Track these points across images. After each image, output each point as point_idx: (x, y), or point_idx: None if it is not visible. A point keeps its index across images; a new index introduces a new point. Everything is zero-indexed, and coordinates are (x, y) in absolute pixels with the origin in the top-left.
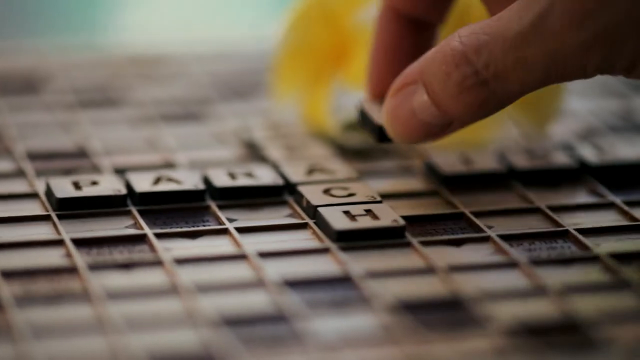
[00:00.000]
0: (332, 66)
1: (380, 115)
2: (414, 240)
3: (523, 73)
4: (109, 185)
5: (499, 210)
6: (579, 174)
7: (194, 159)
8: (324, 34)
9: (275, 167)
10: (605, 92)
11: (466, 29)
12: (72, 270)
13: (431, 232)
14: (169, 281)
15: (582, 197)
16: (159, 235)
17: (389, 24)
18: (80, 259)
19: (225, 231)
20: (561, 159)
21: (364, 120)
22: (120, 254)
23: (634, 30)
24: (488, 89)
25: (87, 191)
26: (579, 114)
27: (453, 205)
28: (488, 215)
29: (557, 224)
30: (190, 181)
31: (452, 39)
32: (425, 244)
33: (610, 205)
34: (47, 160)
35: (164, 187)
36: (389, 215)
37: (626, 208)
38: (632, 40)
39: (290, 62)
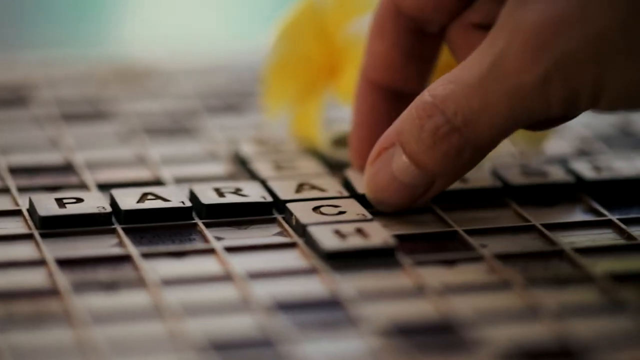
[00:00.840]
0: (323, 79)
1: (362, 185)
2: (406, 260)
3: (489, 116)
4: (93, 203)
5: (493, 229)
6: (575, 190)
7: (182, 174)
8: (315, 46)
9: (264, 184)
10: None
11: (435, 82)
12: (54, 291)
13: (423, 251)
14: (154, 303)
15: (578, 215)
16: (144, 255)
17: (368, 95)
18: (63, 279)
19: (212, 251)
20: (557, 175)
21: (348, 190)
22: (104, 275)
23: (592, 56)
24: (461, 135)
25: (71, 209)
26: (575, 130)
27: (446, 223)
28: (482, 234)
29: (553, 243)
30: (176, 198)
31: (422, 94)
32: (417, 263)
33: (607, 223)
34: (31, 175)
35: (149, 204)
36: (380, 235)
37: (623, 226)
38: (592, 66)
39: (280, 74)
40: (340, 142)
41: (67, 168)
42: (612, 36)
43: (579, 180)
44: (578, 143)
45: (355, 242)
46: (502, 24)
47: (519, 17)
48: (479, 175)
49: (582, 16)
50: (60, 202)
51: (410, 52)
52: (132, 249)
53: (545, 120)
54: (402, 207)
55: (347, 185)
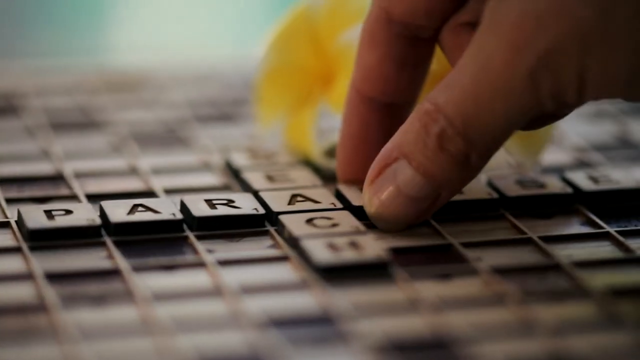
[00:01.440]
0: (317, 89)
1: (355, 196)
2: (400, 274)
3: (486, 117)
4: (83, 215)
5: (489, 242)
6: (572, 201)
7: (173, 184)
8: (308, 55)
9: (257, 195)
10: (599, 118)
11: (433, 90)
12: (42, 306)
13: (418, 264)
14: (143, 318)
15: (576, 227)
16: (134, 269)
17: (358, 107)
18: (52, 293)
19: (203, 264)
20: (554, 186)
21: (342, 202)
22: (93, 289)
23: (574, 48)
24: (464, 139)
25: (60, 221)
26: (573, 140)
27: (441, 236)
28: (478, 247)
29: (550, 256)
30: (167, 210)
31: (422, 104)
32: (412, 277)
33: (605, 235)
34: (20, 186)
35: (139, 216)
36: (374, 248)
37: (621, 239)
38: (575, 58)
39: (272, 84)
40: (334, 152)
41: (57, 178)
42: (592, 28)
43: (577, 191)
44: (575, 153)
45: (348, 255)
46: (486, 23)
47: (500, 15)
48: (475, 187)
49: (562, 10)
50: (49, 214)
51: (403, 60)
52: (122, 263)
53: (541, 117)
54: (407, 224)
55: (341, 196)
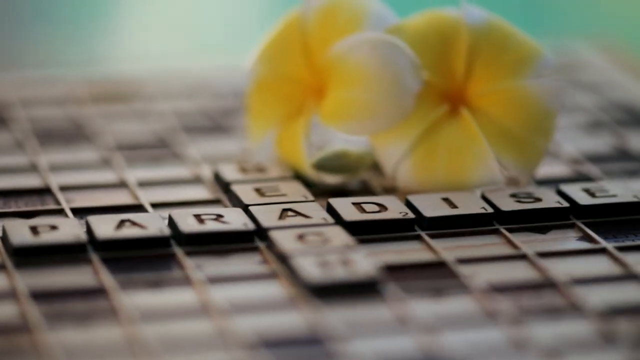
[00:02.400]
0: (308, 100)
1: (347, 211)
2: (392, 291)
3: None
4: (69, 230)
5: (483, 257)
6: (568, 215)
7: (162, 198)
8: (299, 66)
9: (247, 210)
10: (596, 129)
11: None
12: (25, 326)
13: (410, 281)
14: (129, 337)
15: (572, 243)
16: (120, 286)
17: None
18: (36, 312)
19: (191, 281)
20: (549, 200)
21: (333, 217)
22: (78, 307)
23: None
24: None
25: (46, 237)
26: (569, 154)
27: (434, 252)
28: (471, 263)
29: (545, 273)
30: (155, 226)
31: None
32: (404, 294)
33: (602, 252)
34: (6, 199)
35: (127, 232)
36: (365, 265)
37: (618, 255)
38: None
39: (262, 96)
40: (325, 166)
41: (44, 191)
42: None
43: (573, 204)
44: (571, 166)
45: (339, 273)
46: None
47: None
48: (469, 201)
49: None
50: (34, 230)
51: None
52: (108, 280)
53: None
54: None
55: (332, 211)
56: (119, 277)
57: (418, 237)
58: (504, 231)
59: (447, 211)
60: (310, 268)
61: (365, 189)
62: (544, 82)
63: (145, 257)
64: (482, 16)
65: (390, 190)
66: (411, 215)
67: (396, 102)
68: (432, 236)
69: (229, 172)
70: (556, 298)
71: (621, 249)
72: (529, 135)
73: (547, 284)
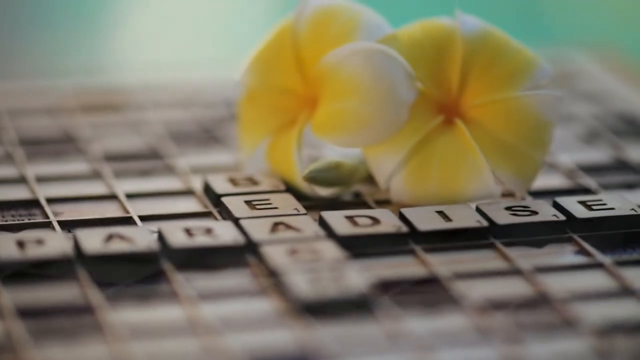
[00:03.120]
0: (300, 112)
1: (340, 225)
2: (385, 307)
3: None
4: (56, 245)
5: (478, 272)
6: (564, 228)
7: (152, 211)
8: (291, 77)
9: (237, 223)
10: (593, 140)
11: None
12: (10, 344)
13: (403, 295)
14: (116, 355)
15: (568, 257)
16: (108, 302)
17: None
18: (22, 328)
19: (180, 297)
20: (545, 213)
21: (325, 230)
22: (65, 324)
23: None
24: None
25: (32, 252)
26: (565, 165)
27: (428, 266)
28: (466, 278)
29: (541, 288)
30: (143, 240)
31: None
32: (397, 311)
33: (599, 266)
34: None
35: (114, 247)
36: (357, 281)
37: (616, 270)
38: None
39: (254, 106)
40: (316, 178)
41: (32, 203)
42: None
43: (570, 217)
44: (568, 177)
45: (331, 290)
46: None
47: None
48: (464, 214)
49: None
50: (20, 245)
51: None
52: (95, 296)
53: None
54: None
55: (324, 224)
56: (107, 293)
57: (412, 251)
58: (500, 245)
59: (441, 224)
60: (301, 284)
61: (359, 201)
62: (540, 92)
63: (133, 272)
64: (477, 26)
65: (383, 202)
66: (405, 228)
67: (390, 114)
68: (426, 250)
69: (220, 184)
70: (552, 314)
71: (619, 263)
72: (525, 147)
73: (543, 300)
